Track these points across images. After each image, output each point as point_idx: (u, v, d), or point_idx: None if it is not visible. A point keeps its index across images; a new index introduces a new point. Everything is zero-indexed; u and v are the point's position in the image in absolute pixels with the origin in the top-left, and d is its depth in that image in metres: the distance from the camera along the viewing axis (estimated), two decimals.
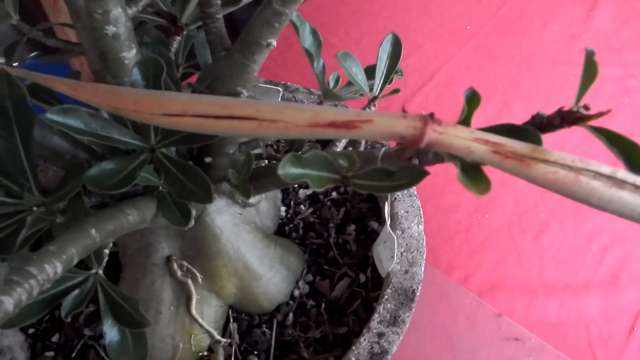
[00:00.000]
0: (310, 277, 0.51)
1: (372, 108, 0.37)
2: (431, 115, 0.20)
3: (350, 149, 0.44)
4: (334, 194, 0.58)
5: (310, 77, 0.81)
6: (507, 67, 0.81)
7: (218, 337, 0.45)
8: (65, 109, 0.27)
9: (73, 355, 0.47)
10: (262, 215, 0.50)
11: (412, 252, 0.47)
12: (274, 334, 0.47)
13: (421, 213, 0.49)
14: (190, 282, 0.43)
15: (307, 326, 0.48)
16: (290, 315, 0.48)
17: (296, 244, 0.52)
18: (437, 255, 0.61)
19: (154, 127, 0.31)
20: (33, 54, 0.45)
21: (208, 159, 0.38)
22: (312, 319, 0.48)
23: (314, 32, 0.36)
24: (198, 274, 0.43)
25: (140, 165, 0.30)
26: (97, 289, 0.34)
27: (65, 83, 0.26)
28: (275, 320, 0.48)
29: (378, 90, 0.36)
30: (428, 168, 0.23)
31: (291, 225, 0.55)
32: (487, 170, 0.21)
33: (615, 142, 0.18)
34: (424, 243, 0.47)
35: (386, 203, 0.48)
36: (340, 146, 0.41)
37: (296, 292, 0.50)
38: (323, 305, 0.49)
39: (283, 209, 0.56)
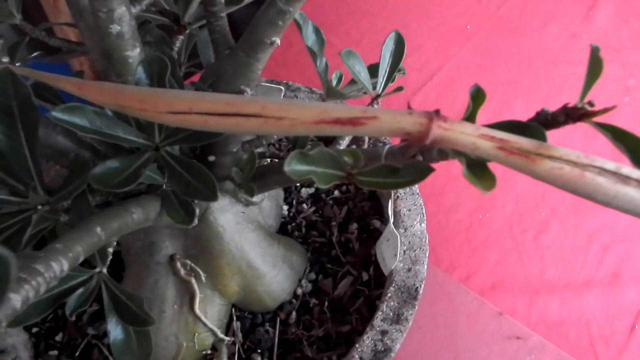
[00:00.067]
0: (313, 276, 0.51)
1: (375, 106, 0.37)
2: (437, 111, 0.20)
3: (354, 147, 0.44)
4: (336, 192, 0.58)
5: (311, 77, 0.82)
6: (507, 66, 0.82)
7: (221, 335, 0.45)
8: (70, 107, 0.27)
9: (77, 354, 0.47)
10: (264, 214, 0.50)
11: (415, 250, 0.47)
12: (277, 332, 0.47)
13: (423, 211, 0.50)
14: (193, 280, 0.43)
15: (310, 324, 0.48)
16: (294, 313, 0.48)
17: (299, 243, 0.53)
18: (438, 255, 0.61)
19: (158, 126, 0.31)
20: (35, 53, 0.45)
21: (211, 158, 0.38)
22: (315, 317, 0.49)
23: (317, 31, 0.36)
24: (201, 273, 0.43)
25: (145, 163, 0.30)
26: (101, 287, 0.34)
27: (70, 82, 0.26)
28: (278, 319, 0.48)
29: (381, 88, 0.36)
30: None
31: (294, 224, 0.55)
32: None
33: (621, 137, 0.19)
34: (427, 241, 0.48)
35: (389, 201, 0.48)
36: (343, 144, 0.41)
37: (299, 291, 0.50)
38: (326, 303, 0.49)
39: (285, 207, 0.56)
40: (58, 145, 0.33)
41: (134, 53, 0.31)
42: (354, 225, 0.54)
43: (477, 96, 0.22)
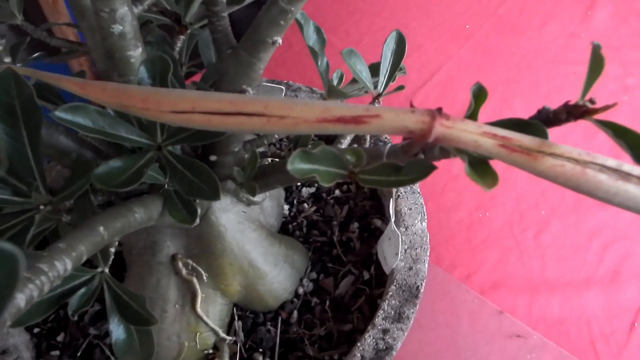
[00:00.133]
0: (314, 275, 0.51)
1: (377, 105, 0.37)
2: (439, 109, 0.20)
3: (355, 146, 0.44)
4: (337, 192, 0.58)
5: (311, 77, 0.82)
6: (506, 65, 0.82)
7: (223, 335, 0.45)
8: (74, 106, 0.27)
9: (78, 354, 0.47)
10: (266, 214, 0.50)
11: (416, 249, 0.47)
12: (278, 331, 0.47)
13: (424, 210, 0.50)
14: (195, 280, 0.43)
15: (311, 323, 0.48)
16: (295, 312, 0.49)
17: (300, 242, 0.53)
18: (438, 254, 0.61)
19: (160, 125, 0.31)
20: (36, 54, 0.45)
21: (213, 157, 0.38)
22: (316, 316, 0.49)
23: (318, 30, 0.36)
24: (203, 272, 0.43)
25: (148, 163, 0.30)
26: (102, 287, 0.34)
27: (73, 81, 0.26)
28: (279, 318, 0.48)
29: (382, 87, 0.36)
30: None
31: (295, 224, 0.55)
32: None
33: (622, 135, 0.19)
34: (428, 240, 0.48)
35: (391, 200, 0.48)
36: (345, 143, 0.41)
37: (300, 290, 0.50)
38: (327, 302, 0.49)
39: (286, 207, 0.56)
40: (60, 145, 0.33)
41: (136, 53, 0.31)
42: (355, 225, 0.54)
43: (479, 94, 0.22)
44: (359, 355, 0.41)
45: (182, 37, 0.41)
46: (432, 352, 0.54)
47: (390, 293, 0.44)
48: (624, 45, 0.83)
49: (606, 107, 0.19)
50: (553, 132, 0.21)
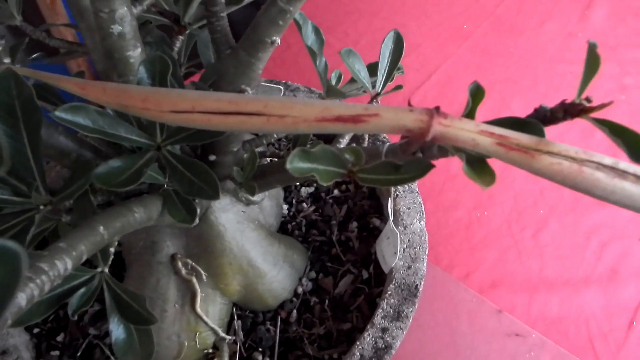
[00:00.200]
0: (313, 274, 0.51)
1: (376, 104, 0.37)
2: (437, 108, 0.20)
3: (354, 145, 0.44)
4: (335, 191, 0.58)
5: (309, 77, 0.82)
6: (504, 65, 0.82)
7: (223, 334, 0.46)
8: (74, 106, 0.27)
9: (78, 354, 0.47)
10: (265, 213, 0.50)
11: (415, 247, 0.47)
12: (278, 330, 0.48)
13: (423, 209, 0.50)
14: (194, 280, 0.43)
15: (311, 323, 0.48)
16: (294, 312, 0.49)
17: (299, 242, 0.53)
18: (437, 253, 0.62)
19: (160, 125, 0.32)
20: (35, 55, 0.45)
21: (212, 157, 0.38)
22: (316, 315, 0.49)
23: (317, 30, 0.36)
24: (202, 272, 0.43)
25: (147, 162, 0.30)
26: (102, 287, 0.34)
27: (73, 82, 0.26)
28: (279, 317, 0.48)
29: (380, 87, 0.36)
30: None
31: (294, 223, 0.55)
32: None
33: (618, 133, 0.19)
34: (426, 239, 0.48)
35: (389, 199, 0.48)
36: (343, 142, 0.41)
37: (300, 289, 0.50)
38: (327, 301, 0.49)
39: (285, 207, 0.56)
40: (60, 145, 0.33)
41: (136, 53, 0.31)
42: (354, 224, 0.54)
43: (477, 93, 0.22)
44: (358, 354, 0.41)
45: (181, 37, 0.41)
46: (431, 351, 0.54)
47: (389, 292, 0.45)
48: (621, 45, 0.83)
49: (602, 106, 0.19)
50: (550, 131, 0.21)
